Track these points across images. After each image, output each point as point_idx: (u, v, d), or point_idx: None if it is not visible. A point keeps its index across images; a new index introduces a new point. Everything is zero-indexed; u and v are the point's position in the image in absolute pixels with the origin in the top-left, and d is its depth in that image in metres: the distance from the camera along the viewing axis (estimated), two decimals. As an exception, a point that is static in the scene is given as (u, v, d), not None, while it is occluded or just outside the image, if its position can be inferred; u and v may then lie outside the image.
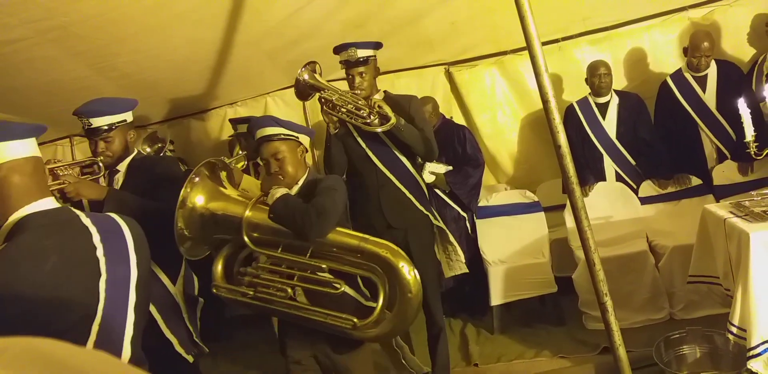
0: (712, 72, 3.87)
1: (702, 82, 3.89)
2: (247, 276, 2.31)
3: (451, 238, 3.31)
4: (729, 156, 3.84)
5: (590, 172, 3.99)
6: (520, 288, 3.82)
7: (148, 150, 4.22)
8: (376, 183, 3.13)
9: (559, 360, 3.38)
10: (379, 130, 2.92)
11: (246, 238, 2.28)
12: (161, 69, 3.53)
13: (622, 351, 2.41)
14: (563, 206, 3.95)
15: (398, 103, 3.09)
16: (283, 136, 2.40)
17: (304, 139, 2.50)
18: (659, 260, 3.60)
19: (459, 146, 4.07)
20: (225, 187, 2.38)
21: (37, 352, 0.41)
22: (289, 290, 2.26)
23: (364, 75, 3.03)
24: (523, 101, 4.58)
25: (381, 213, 3.13)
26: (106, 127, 2.53)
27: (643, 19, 4.26)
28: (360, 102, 2.94)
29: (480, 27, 4.06)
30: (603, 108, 4.04)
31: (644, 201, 3.97)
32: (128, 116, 2.64)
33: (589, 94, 4.08)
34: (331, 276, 2.25)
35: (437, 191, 4.04)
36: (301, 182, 2.44)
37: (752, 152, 2.72)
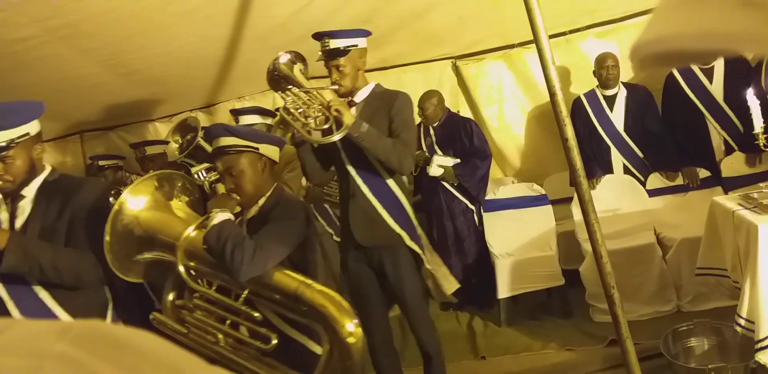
0: (719, 63, 3.84)
1: (709, 73, 3.87)
2: (184, 311, 2.02)
3: (427, 265, 2.81)
4: (737, 148, 3.83)
5: (598, 165, 3.99)
6: (528, 280, 3.83)
7: (180, 141, 4.16)
8: (347, 192, 2.73)
9: (566, 352, 3.40)
10: (322, 141, 2.51)
11: (181, 267, 1.97)
12: (170, 65, 3.55)
13: (629, 344, 2.41)
14: (570, 199, 3.95)
15: (381, 100, 2.70)
16: (240, 148, 2.07)
17: (269, 150, 2.14)
18: (667, 252, 3.60)
19: (466, 138, 4.08)
20: (171, 200, 2.10)
21: (99, 332, 0.43)
22: (220, 335, 1.98)
23: (342, 68, 2.62)
24: (530, 94, 4.58)
25: (348, 227, 2.75)
26: (3, 145, 1.92)
27: (650, 11, 4.19)
28: (313, 106, 2.52)
29: (487, 21, 4.05)
30: (611, 100, 4.03)
31: (652, 193, 3.96)
32: (32, 127, 2.00)
33: (597, 86, 4.08)
34: (265, 329, 1.94)
35: (445, 184, 4.06)
36: (262, 202, 2.12)
37: (761, 144, 2.72)
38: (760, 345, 2.44)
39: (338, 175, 2.80)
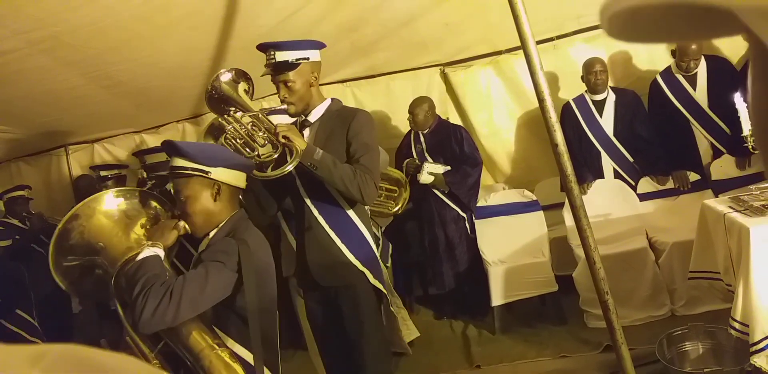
0: (701, 69, 3.85)
1: (692, 80, 3.88)
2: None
3: (397, 304, 2.49)
4: (725, 151, 3.84)
5: (588, 170, 3.98)
6: (521, 287, 3.81)
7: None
8: (302, 224, 2.42)
9: (561, 359, 3.37)
10: (269, 176, 2.21)
11: (117, 298, 1.79)
12: (155, 76, 3.52)
13: (624, 349, 2.40)
14: (562, 204, 3.94)
15: (338, 120, 2.40)
16: (188, 171, 1.84)
17: (225, 175, 1.89)
18: (659, 256, 3.59)
19: (456, 146, 4.06)
20: (131, 219, 1.93)
21: (76, 358, 0.40)
22: None
23: (290, 84, 2.31)
24: (519, 100, 4.58)
25: (306, 264, 2.42)
26: None
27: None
28: (258, 133, 2.23)
29: (474, 27, 4.06)
30: (600, 105, 4.04)
31: (643, 197, 3.96)
32: None
33: (586, 91, 4.08)
34: None
35: (436, 191, 4.05)
36: (212, 234, 1.88)
37: (749, 146, 2.72)
38: (754, 347, 2.42)
39: (293, 205, 2.47)
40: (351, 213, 2.41)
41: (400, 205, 3.54)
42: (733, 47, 4.07)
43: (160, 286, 1.62)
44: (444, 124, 4.23)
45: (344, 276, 2.39)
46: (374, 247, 2.48)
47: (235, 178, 1.93)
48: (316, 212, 2.38)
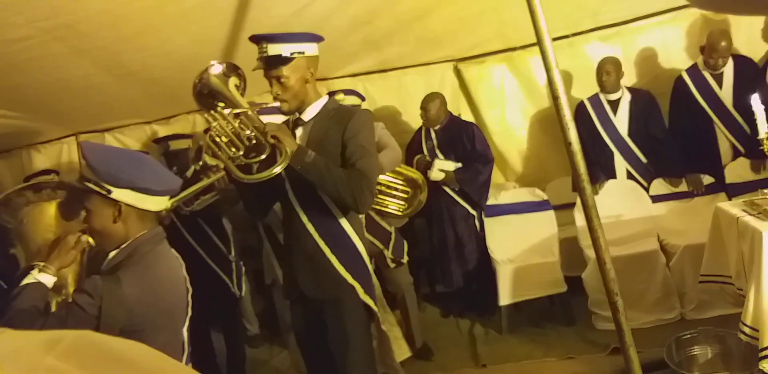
0: (728, 68, 3.80)
1: (718, 78, 3.83)
2: None
3: (389, 322, 2.29)
4: (745, 152, 3.78)
5: (600, 170, 3.94)
6: (529, 287, 3.79)
7: None
8: (290, 232, 2.27)
9: (568, 360, 3.36)
10: (252, 179, 2.03)
11: None
12: (167, 66, 3.51)
13: (632, 352, 2.37)
14: (573, 204, 3.92)
15: (334, 119, 2.21)
16: (91, 185, 1.64)
17: (128, 196, 1.66)
18: (670, 259, 3.56)
19: (468, 143, 4.04)
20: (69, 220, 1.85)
21: (90, 343, 0.42)
22: None
23: (284, 80, 2.15)
24: (532, 98, 4.55)
25: (292, 275, 2.29)
26: None
27: (654, 15, 4.21)
28: (244, 132, 2.07)
29: (489, 23, 4.02)
30: (614, 105, 4.00)
31: (655, 199, 3.93)
32: None
33: (600, 90, 4.04)
34: None
35: (446, 189, 4.02)
36: (112, 255, 1.70)
37: (765, 149, 2.68)
38: (764, 353, 2.40)
39: (283, 211, 2.33)
40: (343, 221, 2.23)
41: (412, 208, 3.38)
42: (750, 49, 4.02)
43: (39, 319, 1.53)
44: (456, 120, 4.20)
45: (332, 290, 2.22)
46: (366, 259, 2.30)
47: (144, 201, 1.69)
48: (305, 219, 2.21)
